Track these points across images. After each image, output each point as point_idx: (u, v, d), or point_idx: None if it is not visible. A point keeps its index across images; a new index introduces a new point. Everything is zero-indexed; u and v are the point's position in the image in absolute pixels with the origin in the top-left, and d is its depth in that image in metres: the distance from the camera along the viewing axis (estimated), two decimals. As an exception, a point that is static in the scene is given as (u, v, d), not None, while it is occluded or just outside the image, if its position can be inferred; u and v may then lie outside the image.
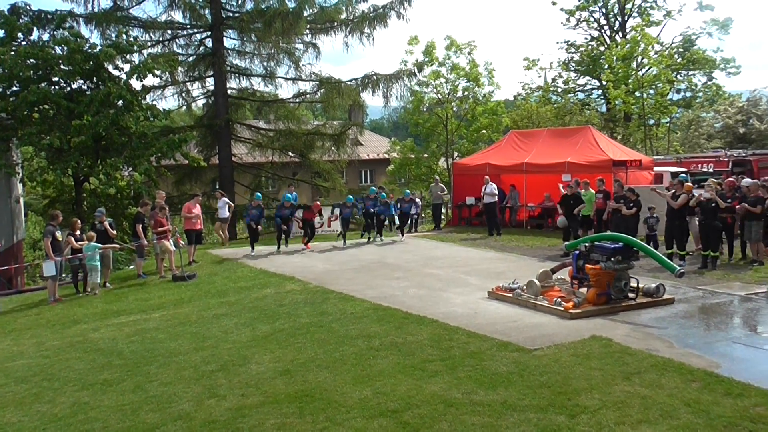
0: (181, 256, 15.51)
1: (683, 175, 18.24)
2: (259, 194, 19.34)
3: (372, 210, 19.59)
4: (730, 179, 15.51)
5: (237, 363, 7.92)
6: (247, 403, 6.52)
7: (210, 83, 25.09)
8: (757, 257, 13.82)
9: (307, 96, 26.43)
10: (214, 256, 17.56)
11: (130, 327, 10.50)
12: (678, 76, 41.94)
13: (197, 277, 14.59)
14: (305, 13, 23.84)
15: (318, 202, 20.16)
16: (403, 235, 20.53)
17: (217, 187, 25.48)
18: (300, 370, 7.44)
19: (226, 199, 19.75)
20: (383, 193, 20.92)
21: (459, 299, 11.00)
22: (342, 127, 26.27)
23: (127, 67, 20.92)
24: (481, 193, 20.72)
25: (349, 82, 25.10)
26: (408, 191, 21.58)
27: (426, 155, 33.32)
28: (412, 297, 11.30)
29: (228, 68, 24.78)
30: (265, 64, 25.08)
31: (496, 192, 20.44)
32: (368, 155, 40.44)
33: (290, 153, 25.93)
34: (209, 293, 12.80)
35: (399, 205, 20.50)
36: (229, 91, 24.97)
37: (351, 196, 20.44)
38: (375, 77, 24.84)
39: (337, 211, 19.87)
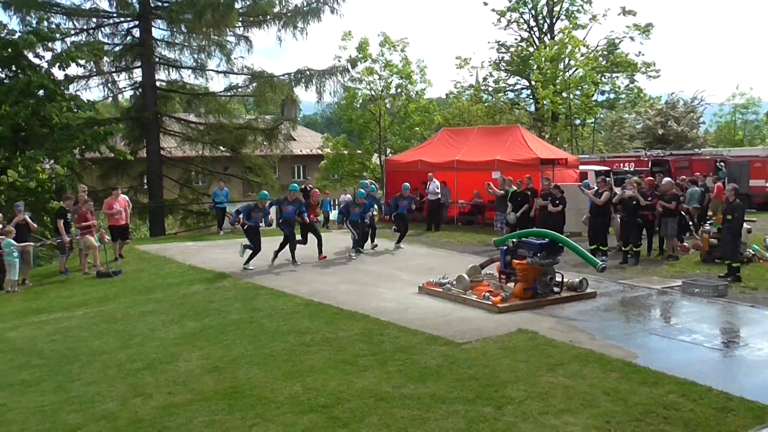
0: (105, 252, 15.03)
1: (608, 174, 18.75)
2: (265, 193, 15.29)
3: (363, 220, 15.86)
4: (649, 178, 16.19)
5: (164, 361, 7.76)
6: (175, 401, 6.41)
7: (138, 74, 24.31)
8: (673, 252, 14.50)
9: (239, 90, 25.97)
10: (141, 252, 17.10)
11: (51, 325, 10.12)
12: (602, 78, 43.40)
13: (123, 274, 14.18)
14: (237, 5, 23.41)
15: (317, 190, 17.72)
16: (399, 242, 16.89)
17: (145, 181, 24.85)
18: (230, 367, 7.36)
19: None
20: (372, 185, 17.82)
21: (390, 294, 11.11)
22: (274, 122, 25.94)
23: (48, 55, 20.10)
24: (425, 191, 20.93)
25: (282, 77, 24.81)
26: (407, 185, 18.05)
27: (359, 151, 33.39)
28: (343, 293, 11.33)
29: (157, 59, 24.08)
30: (195, 56, 24.50)
31: (439, 190, 20.72)
32: (301, 150, 40.20)
33: (221, 147, 25.45)
34: (136, 290, 12.47)
35: (397, 204, 17.28)
36: (157, 83, 24.27)
37: (362, 190, 16.61)
38: (308, 72, 24.65)
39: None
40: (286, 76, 24.84)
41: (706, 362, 7.31)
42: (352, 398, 6.26)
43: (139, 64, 23.83)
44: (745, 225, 13.23)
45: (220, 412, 6.06)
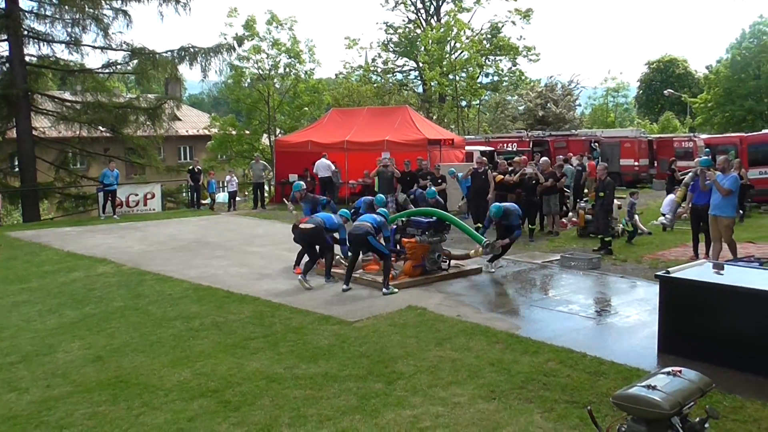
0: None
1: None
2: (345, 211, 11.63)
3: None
4: (524, 157, 16.95)
5: (41, 353, 7.35)
6: (54, 394, 6.09)
7: (4, 48, 22.58)
8: (553, 228, 15.28)
9: (118, 66, 24.73)
10: (13, 239, 16.02)
11: None
12: (487, 61, 44.74)
13: (-8, 263, 13.25)
14: (113, -23, 22.23)
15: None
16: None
17: (16, 163, 23.21)
18: (113, 356, 7.08)
19: None
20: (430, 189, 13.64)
21: (281, 276, 11.03)
22: (158, 101, 24.88)
23: None
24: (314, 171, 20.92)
25: (164, 54, 23.80)
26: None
27: (248, 132, 32.73)
28: (233, 276, 11.14)
29: (25, 32, 22.41)
30: (69, 30, 22.94)
31: (332, 168, 20.76)
32: (187, 131, 38.86)
33: (100, 127, 24.15)
34: (7, 279, 11.67)
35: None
36: (27, 58, 22.60)
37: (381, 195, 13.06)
38: (192, 50, 23.78)
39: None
40: (169, 53, 23.86)
41: (581, 330, 7.79)
42: (243, 381, 6.20)
43: (5, 37, 22.07)
44: (615, 201, 14.13)
45: (104, 403, 5.83)
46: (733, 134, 27.39)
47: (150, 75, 24.30)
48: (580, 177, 18.62)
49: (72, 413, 5.64)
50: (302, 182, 13.00)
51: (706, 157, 13.16)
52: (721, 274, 7.14)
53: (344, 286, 9.85)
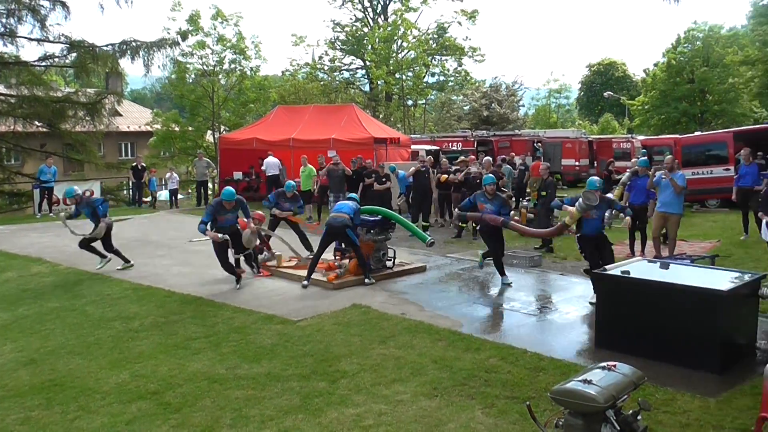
0: None
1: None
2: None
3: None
4: (471, 156, 17.18)
5: (-29, 356, 7.08)
6: (-16, 399, 5.88)
7: (-67, 39, 21.58)
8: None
9: (56, 60, 23.90)
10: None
11: None
12: (433, 61, 45.09)
13: None
14: (50, -34, 21.47)
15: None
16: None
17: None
18: (48, 359, 6.87)
19: None
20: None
21: (225, 275, 10.87)
22: (97, 96, 24.17)
23: None
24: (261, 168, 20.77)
25: (105, 47, 23.11)
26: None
27: (191, 128, 32.14)
28: (176, 275, 10.94)
29: (-45, 22, 21.48)
30: (3, 21, 22.08)
31: (280, 167, 20.57)
32: (129, 127, 37.91)
33: (37, 122, 23.31)
34: (-66, 280, 11.20)
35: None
36: (-43, 50, 21.70)
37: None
38: (135, 44, 23.14)
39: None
40: (110, 46, 23.19)
41: (522, 327, 7.94)
42: (184, 382, 6.11)
43: (-67, 27, 21.12)
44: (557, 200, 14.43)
45: (37, 407, 5.66)
46: (668, 136, 28.35)
47: (89, 69, 23.54)
48: (523, 176, 18.96)
49: (3, 419, 5.45)
50: (75, 187, 12.64)
51: (644, 158, 13.62)
52: (654, 271, 7.39)
53: (305, 282, 9.82)
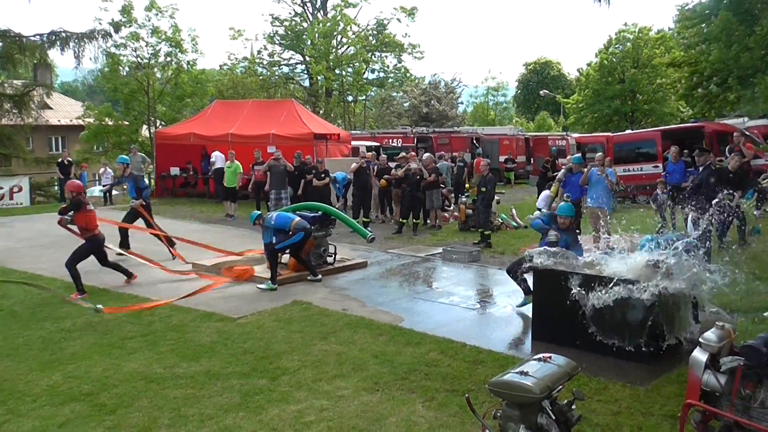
0: None
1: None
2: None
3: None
4: (412, 153, 17.32)
5: None
6: None
7: None
8: (436, 223, 15.70)
9: (-20, 49, 22.90)
10: None
11: None
12: (372, 57, 45.16)
13: None
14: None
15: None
16: None
17: None
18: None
19: None
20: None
21: (163, 274, 10.66)
22: (25, 88, 23.27)
23: None
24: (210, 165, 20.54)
25: (33, 38, 22.27)
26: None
27: (126, 122, 31.28)
28: (110, 273, 10.60)
29: None
30: None
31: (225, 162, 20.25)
32: (59, 120, 36.59)
33: (-41, 114, 22.28)
34: None
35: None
36: None
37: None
38: (64, 34, 22.36)
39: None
40: (38, 37, 22.35)
41: (462, 321, 8.07)
42: (119, 383, 5.96)
43: None
44: (495, 197, 14.71)
45: (-37, 412, 5.42)
46: (600, 134, 29.21)
47: (16, 60, 22.66)
48: (462, 173, 19.23)
49: (-75, 425, 5.21)
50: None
51: (578, 155, 14.02)
52: (582, 263, 7.52)
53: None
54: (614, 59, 43.78)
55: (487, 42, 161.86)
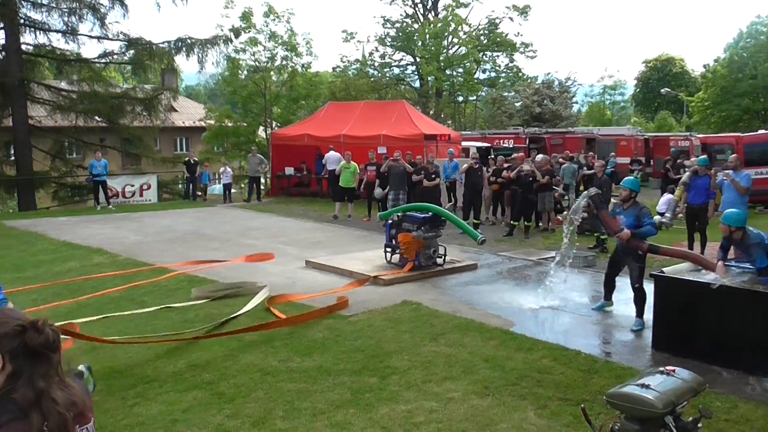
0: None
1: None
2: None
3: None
4: (521, 154, 16.97)
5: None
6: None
7: (0, 36, 22.45)
8: (548, 226, 15.31)
9: (115, 56, 24.64)
10: (8, 228, 15.98)
11: None
12: (484, 57, 44.67)
13: (-13, 252, 13.20)
14: (110, -34, 22.10)
15: None
16: None
17: (12, 151, 23.13)
18: (107, 347, 7.06)
19: None
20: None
21: (277, 269, 11.04)
22: (154, 92, 24.83)
23: None
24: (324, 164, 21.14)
25: (161, 45, 23.75)
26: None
27: (244, 124, 32.67)
28: (228, 268, 11.12)
29: (21, 21, 22.28)
30: (65, 18, 22.86)
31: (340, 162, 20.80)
32: (184, 122, 38.79)
33: (96, 117, 24.08)
34: (2, 267, 11.62)
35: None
36: (23, 47, 22.49)
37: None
38: (189, 41, 23.71)
39: None
40: (166, 44, 23.81)
41: (575, 328, 7.82)
42: (237, 374, 6.21)
43: (1, 25, 21.97)
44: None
45: (98, 393, 5.79)
46: (729, 134, 27.43)
47: (146, 66, 24.25)
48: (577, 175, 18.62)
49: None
50: None
51: (704, 156, 13.23)
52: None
53: None
54: (745, 54, 41.06)
55: (603, 39, 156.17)
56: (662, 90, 50.31)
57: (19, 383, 1.89)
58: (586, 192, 8.66)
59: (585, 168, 18.23)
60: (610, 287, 8.58)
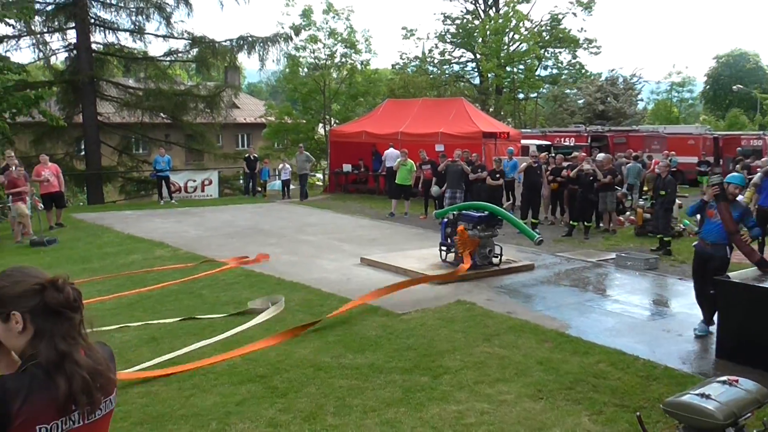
0: (40, 220, 14.55)
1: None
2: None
3: None
4: (582, 153, 16.60)
5: (97, 333, 7.57)
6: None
7: (72, 36, 23.35)
8: (609, 226, 14.94)
9: (180, 55, 25.30)
10: (77, 221, 16.62)
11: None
12: (545, 53, 43.89)
13: (57, 243, 13.74)
14: (175, -33, 22.71)
15: None
16: None
17: (83, 146, 24.03)
18: (166, 338, 7.26)
19: None
20: None
21: (332, 265, 11.12)
22: (216, 89, 25.40)
23: (-28, 14, 19.04)
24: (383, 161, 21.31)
25: (224, 43, 24.27)
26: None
27: (303, 120, 33.06)
28: (285, 263, 11.27)
29: (92, 20, 23.13)
30: (133, 18, 23.64)
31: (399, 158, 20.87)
32: (245, 119, 39.52)
33: (161, 114, 24.80)
34: (71, 259, 12.12)
35: None
36: (93, 46, 23.35)
37: None
38: (251, 39, 24.15)
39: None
40: (229, 42, 24.31)
41: (634, 332, 7.59)
42: (290, 368, 6.28)
43: (72, 25, 22.86)
44: (677, 200, 13.72)
45: (157, 383, 5.99)
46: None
47: (210, 63, 24.83)
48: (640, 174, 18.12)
49: (127, 391, 5.80)
50: None
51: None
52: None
53: None
54: (824, 49, 39.05)
55: (671, 34, 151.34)
56: (734, 87, 48.39)
57: (42, 345, 1.79)
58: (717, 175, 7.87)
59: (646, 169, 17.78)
60: (708, 307, 7.38)
